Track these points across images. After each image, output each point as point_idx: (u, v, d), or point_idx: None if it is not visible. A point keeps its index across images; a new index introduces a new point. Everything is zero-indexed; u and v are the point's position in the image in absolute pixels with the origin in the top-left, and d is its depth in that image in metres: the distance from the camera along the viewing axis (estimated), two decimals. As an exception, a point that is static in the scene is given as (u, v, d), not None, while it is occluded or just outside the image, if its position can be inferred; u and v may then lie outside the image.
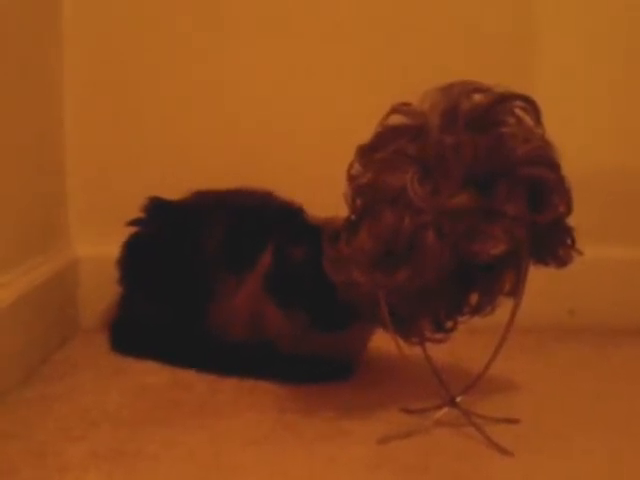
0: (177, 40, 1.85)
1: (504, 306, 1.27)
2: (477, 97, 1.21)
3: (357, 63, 1.86)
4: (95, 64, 1.85)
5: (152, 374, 1.55)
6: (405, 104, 1.24)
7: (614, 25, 1.88)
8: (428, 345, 1.31)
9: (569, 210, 1.23)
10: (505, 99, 1.22)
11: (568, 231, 1.25)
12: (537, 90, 1.28)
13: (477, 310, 1.27)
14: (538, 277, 1.25)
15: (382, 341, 1.43)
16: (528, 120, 1.23)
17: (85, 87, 1.84)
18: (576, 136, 1.75)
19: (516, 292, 1.24)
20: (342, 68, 1.86)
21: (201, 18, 1.84)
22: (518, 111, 1.23)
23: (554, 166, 1.22)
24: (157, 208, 1.71)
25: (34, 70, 1.67)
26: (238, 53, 1.85)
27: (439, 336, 1.28)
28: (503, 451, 1.23)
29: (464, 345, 1.49)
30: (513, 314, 1.24)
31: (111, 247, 1.70)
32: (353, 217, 1.26)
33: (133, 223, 1.70)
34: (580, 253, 1.26)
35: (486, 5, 1.87)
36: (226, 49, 1.85)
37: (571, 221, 1.24)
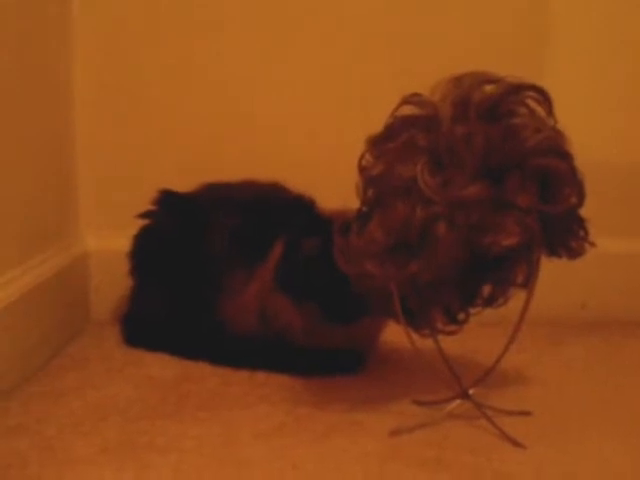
0: (187, 35, 1.85)
1: (516, 298, 1.26)
2: (488, 88, 1.21)
3: (363, 57, 1.85)
4: (105, 59, 1.85)
5: (163, 367, 1.56)
6: (416, 95, 1.24)
7: (627, 18, 1.87)
8: (440, 337, 1.30)
9: (581, 201, 1.22)
10: (517, 90, 1.21)
11: (581, 222, 1.24)
12: (547, 81, 1.27)
13: (489, 302, 1.26)
14: (550, 270, 1.24)
15: (394, 333, 1.42)
16: (540, 111, 1.22)
17: (95, 81, 1.84)
18: (588, 128, 1.75)
19: (528, 284, 1.24)
20: (351, 60, 1.85)
21: (211, 15, 1.84)
22: (530, 102, 1.22)
23: (566, 156, 1.21)
24: (168, 200, 1.70)
25: (45, 66, 1.68)
26: (247, 50, 1.84)
27: (451, 328, 1.27)
28: (515, 443, 1.23)
29: (476, 337, 1.49)
30: (526, 306, 1.24)
31: (122, 240, 1.70)
32: (364, 208, 1.26)
33: (144, 216, 1.70)
34: (593, 245, 1.25)
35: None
36: (235, 46, 1.84)
37: (584, 213, 1.24)
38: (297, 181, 1.62)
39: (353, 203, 1.27)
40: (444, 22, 1.85)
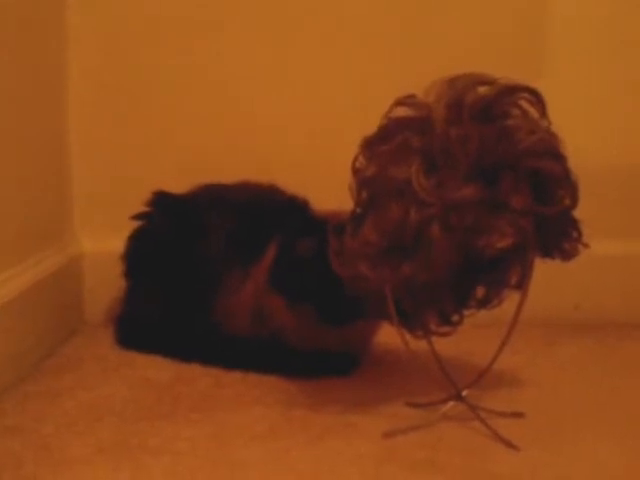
0: (187, 35, 1.84)
1: (510, 300, 1.26)
2: (482, 89, 1.21)
3: (362, 58, 1.85)
4: (100, 57, 1.84)
5: (157, 368, 1.55)
6: (410, 96, 1.24)
7: (626, 18, 1.87)
8: (434, 339, 1.30)
9: (575, 203, 1.22)
10: (510, 91, 1.21)
11: (574, 224, 1.24)
12: (546, 82, 1.27)
13: (483, 303, 1.26)
14: (544, 271, 1.24)
15: (388, 335, 1.42)
16: (533, 112, 1.22)
17: (90, 82, 1.84)
18: (584, 130, 1.75)
19: (522, 285, 1.24)
20: (350, 61, 1.85)
21: (211, 15, 1.84)
22: (523, 103, 1.22)
23: (559, 158, 1.21)
24: (162, 202, 1.70)
25: (39, 66, 1.67)
26: (247, 50, 1.84)
27: (445, 329, 1.27)
28: (509, 445, 1.23)
29: (470, 339, 1.49)
30: (519, 308, 1.24)
31: (116, 241, 1.70)
32: (358, 210, 1.25)
33: (138, 217, 1.70)
34: (586, 246, 1.25)
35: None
36: (235, 46, 1.84)
37: (577, 215, 1.24)
38: (295, 182, 1.62)
39: (350, 204, 1.27)
40: (444, 23, 1.85)
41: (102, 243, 1.84)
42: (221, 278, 1.59)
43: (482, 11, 1.85)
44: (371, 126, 1.24)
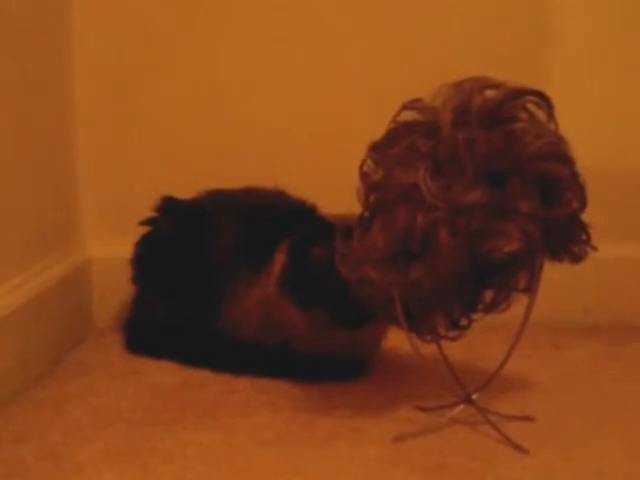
0: (189, 40, 1.85)
1: (518, 303, 1.26)
2: (489, 93, 1.21)
3: (365, 61, 1.85)
4: (106, 64, 1.85)
5: (166, 374, 1.55)
6: (417, 100, 1.24)
7: (630, 22, 1.87)
8: (443, 343, 1.30)
9: (583, 206, 1.22)
10: (518, 94, 1.21)
11: (583, 227, 1.24)
12: (550, 86, 1.27)
13: (492, 307, 1.26)
14: (552, 275, 1.24)
15: (397, 339, 1.42)
16: (541, 115, 1.22)
17: (96, 87, 1.84)
18: (592, 133, 1.75)
19: (531, 289, 1.24)
20: (352, 65, 1.85)
21: (211, 16, 1.84)
22: (531, 106, 1.22)
23: (567, 161, 1.21)
24: (170, 207, 1.70)
25: (46, 72, 1.67)
26: (248, 55, 1.84)
27: (454, 333, 1.27)
28: (519, 449, 1.22)
29: (479, 343, 1.48)
30: (528, 311, 1.23)
31: (124, 247, 1.70)
32: (366, 214, 1.25)
33: (146, 222, 1.70)
34: (595, 249, 1.25)
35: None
36: (236, 48, 1.84)
37: (585, 218, 1.23)
38: (300, 185, 1.62)
39: (356, 209, 1.27)
40: (446, 27, 1.84)
41: (110, 249, 1.84)
42: (229, 284, 1.59)
43: (484, 15, 1.85)
44: (375, 129, 1.24)
